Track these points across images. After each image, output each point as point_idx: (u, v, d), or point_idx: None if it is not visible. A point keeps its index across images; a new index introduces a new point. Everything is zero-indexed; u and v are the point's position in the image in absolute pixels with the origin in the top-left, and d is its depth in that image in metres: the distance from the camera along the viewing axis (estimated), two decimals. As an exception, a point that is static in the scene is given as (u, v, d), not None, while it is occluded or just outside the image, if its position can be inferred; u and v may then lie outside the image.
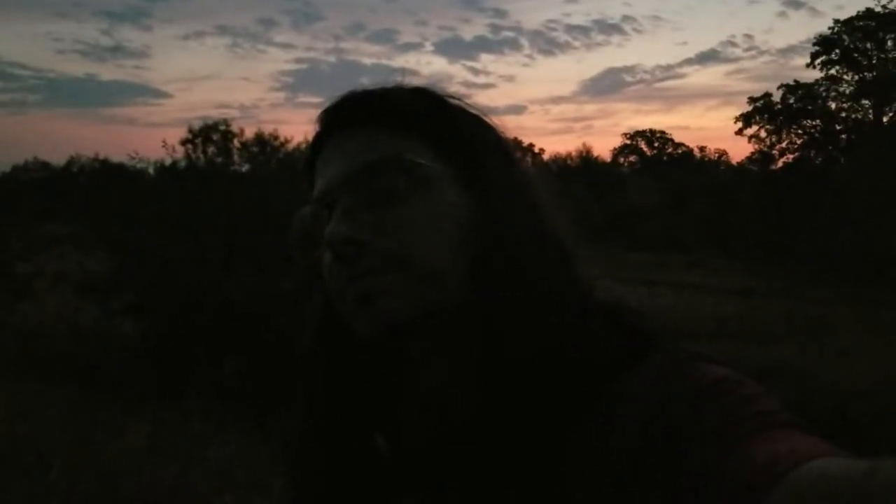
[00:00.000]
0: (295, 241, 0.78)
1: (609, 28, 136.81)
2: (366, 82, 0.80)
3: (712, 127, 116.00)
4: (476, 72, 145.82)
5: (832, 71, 34.60)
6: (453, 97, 0.80)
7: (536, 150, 68.52)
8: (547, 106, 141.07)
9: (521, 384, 0.67)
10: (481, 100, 0.88)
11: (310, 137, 0.83)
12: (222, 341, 7.58)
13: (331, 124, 0.78)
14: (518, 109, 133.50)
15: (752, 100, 36.36)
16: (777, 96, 35.77)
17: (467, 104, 0.81)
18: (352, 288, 0.71)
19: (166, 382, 7.28)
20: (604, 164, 56.18)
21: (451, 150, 0.74)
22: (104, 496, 4.62)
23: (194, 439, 5.95)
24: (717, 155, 64.70)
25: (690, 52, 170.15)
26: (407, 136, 0.74)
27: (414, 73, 0.84)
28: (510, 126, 0.82)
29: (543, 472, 0.64)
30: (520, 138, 0.90)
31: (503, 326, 0.69)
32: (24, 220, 13.74)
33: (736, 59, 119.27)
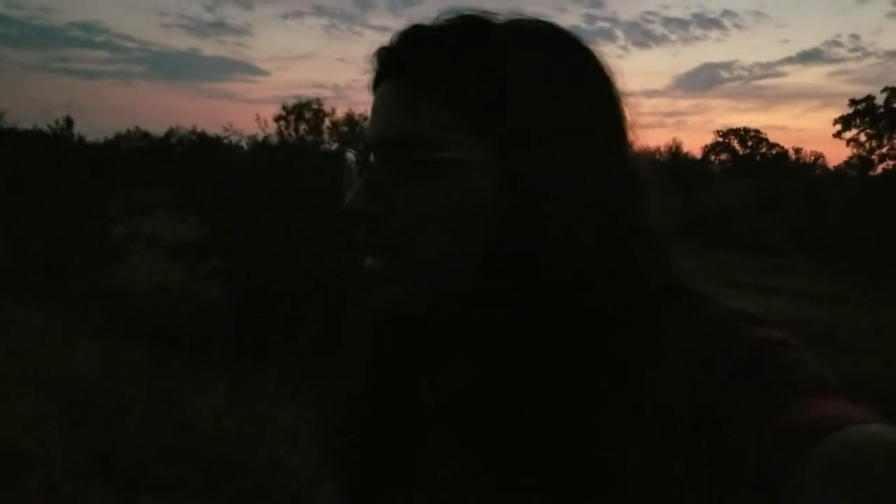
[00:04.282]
0: (345, 183, 0.75)
1: (708, 22, 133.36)
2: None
3: (811, 129, 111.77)
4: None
5: (943, 75, 32.92)
6: (539, 37, 0.70)
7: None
8: (639, 99, 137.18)
9: (548, 358, 0.65)
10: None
11: None
12: (301, 309, 7.76)
13: (381, 68, 0.73)
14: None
15: (853, 102, 34.94)
16: (880, 99, 34.31)
17: (561, 46, 0.71)
18: (367, 260, 0.71)
19: (246, 346, 7.49)
20: (693, 160, 54.75)
21: (493, 126, 0.67)
22: (179, 449, 4.84)
23: (269, 401, 6.10)
24: (813, 158, 62.43)
25: (792, 51, 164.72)
26: (446, 106, 0.67)
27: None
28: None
29: (581, 429, 0.63)
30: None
31: (515, 315, 0.66)
32: (122, 185, 14.22)
33: (840, 60, 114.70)
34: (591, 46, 0.73)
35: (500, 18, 0.71)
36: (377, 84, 0.74)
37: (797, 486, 0.48)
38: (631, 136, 0.73)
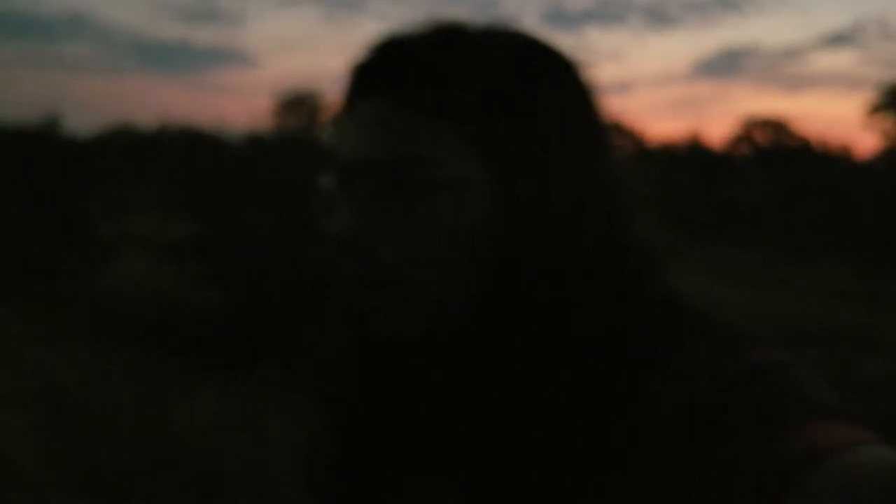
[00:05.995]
0: (319, 210, 0.73)
1: (728, 4, 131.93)
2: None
3: (837, 116, 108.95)
4: (580, 47, 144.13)
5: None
6: (521, 47, 0.69)
7: (640, 133, 66.83)
8: (655, 86, 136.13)
9: (546, 383, 0.64)
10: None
11: None
12: (296, 314, 7.60)
13: (359, 84, 0.70)
14: (623, 89, 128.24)
15: (882, 88, 34.53)
16: (910, 86, 33.89)
17: (543, 55, 0.70)
18: (360, 292, 0.68)
19: (239, 351, 7.39)
20: (713, 152, 54.22)
21: (486, 138, 0.65)
22: (169, 458, 4.81)
23: (260, 409, 6.04)
24: (840, 148, 61.78)
25: (816, 35, 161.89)
26: (440, 123, 0.65)
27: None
28: (613, 107, 0.73)
29: (583, 450, 0.62)
30: (621, 121, 0.68)
31: (517, 339, 0.65)
32: (112, 182, 14.24)
33: (867, 45, 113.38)
34: (571, 56, 0.72)
35: (476, 27, 0.70)
36: (353, 103, 0.71)
37: None
38: (616, 146, 0.73)
